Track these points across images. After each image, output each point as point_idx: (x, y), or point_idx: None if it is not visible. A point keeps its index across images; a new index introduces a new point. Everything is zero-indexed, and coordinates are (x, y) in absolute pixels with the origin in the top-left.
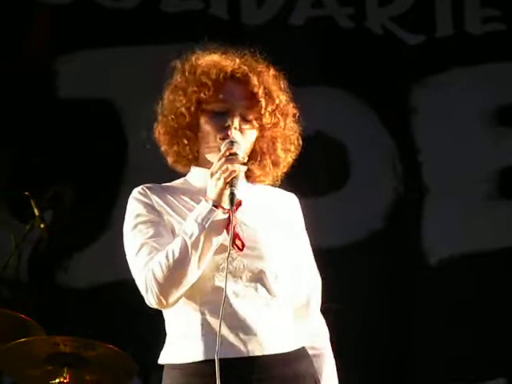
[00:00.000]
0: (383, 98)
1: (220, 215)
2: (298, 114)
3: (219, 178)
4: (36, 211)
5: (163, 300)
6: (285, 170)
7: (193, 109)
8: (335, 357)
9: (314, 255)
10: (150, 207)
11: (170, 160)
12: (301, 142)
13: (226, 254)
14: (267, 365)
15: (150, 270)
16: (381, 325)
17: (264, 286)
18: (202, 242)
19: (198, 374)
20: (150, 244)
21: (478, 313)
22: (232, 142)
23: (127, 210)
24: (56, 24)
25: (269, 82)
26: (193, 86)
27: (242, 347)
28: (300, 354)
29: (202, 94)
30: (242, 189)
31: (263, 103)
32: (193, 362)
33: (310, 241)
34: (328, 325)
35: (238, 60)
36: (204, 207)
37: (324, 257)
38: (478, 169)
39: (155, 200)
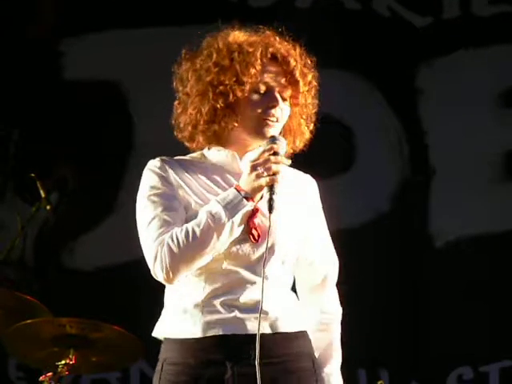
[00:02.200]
0: (390, 80)
1: (248, 208)
2: (317, 91)
3: (260, 177)
4: (42, 193)
5: (171, 275)
6: (301, 147)
7: (235, 88)
8: (344, 339)
9: None
10: (165, 180)
11: (200, 140)
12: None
13: (237, 240)
14: (269, 343)
15: (166, 243)
16: (387, 307)
17: (271, 270)
18: (226, 230)
19: (199, 349)
20: (163, 217)
21: (484, 295)
22: (275, 139)
23: (141, 181)
24: (62, 6)
25: (301, 61)
26: (236, 65)
27: (245, 325)
28: (300, 335)
29: (246, 74)
30: None
31: (301, 83)
32: (193, 338)
33: None
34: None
35: (274, 39)
36: (235, 196)
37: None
38: (485, 151)
39: (171, 173)
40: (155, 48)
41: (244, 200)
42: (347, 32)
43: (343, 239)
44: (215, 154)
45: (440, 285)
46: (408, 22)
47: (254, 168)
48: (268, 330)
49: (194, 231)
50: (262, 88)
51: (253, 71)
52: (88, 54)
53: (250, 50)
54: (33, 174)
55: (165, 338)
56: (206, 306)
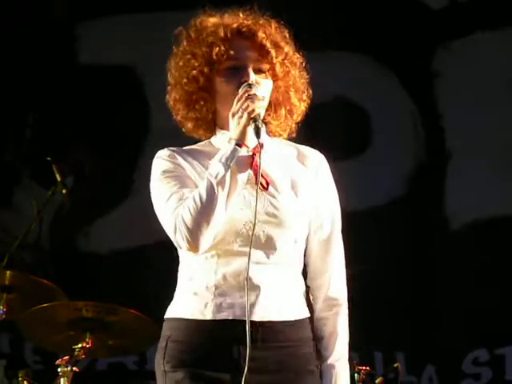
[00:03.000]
0: (406, 62)
1: (244, 153)
2: (304, 63)
3: (241, 116)
4: (58, 177)
5: (192, 241)
6: (299, 120)
7: (206, 70)
8: (356, 321)
9: None
10: (176, 164)
11: (189, 127)
12: (310, 90)
13: (247, 221)
14: (273, 329)
15: (180, 214)
16: (403, 290)
17: (282, 252)
18: (227, 181)
19: (207, 330)
20: (177, 194)
21: (500, 277)
22: (250, 85)
23: (153, 169)
24: None
25: (274, 33)
26: (202, 48)
27: (254, 310)
28: (305, 322)
29: (213, 54)
30: (265, 141)
31: (273, 53)
32: (202, 320)
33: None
34: (348, 290)
35: (241, 16)
36: (228, 147)
37: (343, 222)
38: (501, 133)
39: (180, 159)
40: (171, 32)
41: (236, 147)
42: (363, 15)
43: (359, 222)
44: (220, 139)
45: (456, 267)
46: (424, 4)
47: (233, 115)
48: (275, 318)
49: (199, 194)
50: (232, 64)
51: (216, 49)
52: (103, 38)
53: (213, 29)
54: (48, 158)
55: (168, 318)
56: (217, 288)
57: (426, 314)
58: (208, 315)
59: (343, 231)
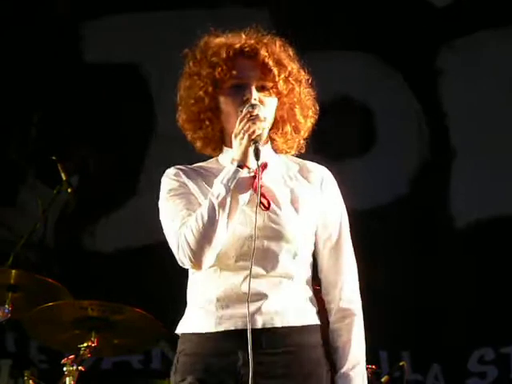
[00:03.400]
0: (410, 61)
1: (245, 174)
2: (310, 80)
3: (243, 138)
4: (63, 176)
5: (194, 259)
6: (306, 136)
7: (210, 90)
8: (366, 321)
9: None
10: (182, 183)
11: (198, 145)
12: (317, 106)
13: (247, 237)
14: (277, 334)
15: (183, 234)
16: (408, 289)
17: (282, 265)
18: (228, 202)
19: (212, 341)
20: (184, 212)
21: (506, 276)
22: (253, 105)
23: (161, 188)
24: None
25: (277, 51)
26: (206, 69)
27: (255, 319)
28: (311, 328)
29: (216, 74)
30: (269, 158)
31: (275, 71)
32: (207, 332)
33: None
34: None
35: (244, 36)
36: (229, 168)
37: (349, 220)
38: (505, 132)
39: (186, 178)
40: (175, 30)
41: (238, 168)
42: (367, 14)
43: (363, 221)
44: (226, 157)
45: (461, 265)
46: (428, 2)
47: (235, 136)
48: (278, 323)
49: (201, 214)
50: (235, 83)
51: (219, 69)
52: (108, 37)
53: (216, 50)
54: (53, 157)
55: (181, 333)
56: (219, 301)
57: (431, 312)
58: (212, 327)
59: (353, 231)
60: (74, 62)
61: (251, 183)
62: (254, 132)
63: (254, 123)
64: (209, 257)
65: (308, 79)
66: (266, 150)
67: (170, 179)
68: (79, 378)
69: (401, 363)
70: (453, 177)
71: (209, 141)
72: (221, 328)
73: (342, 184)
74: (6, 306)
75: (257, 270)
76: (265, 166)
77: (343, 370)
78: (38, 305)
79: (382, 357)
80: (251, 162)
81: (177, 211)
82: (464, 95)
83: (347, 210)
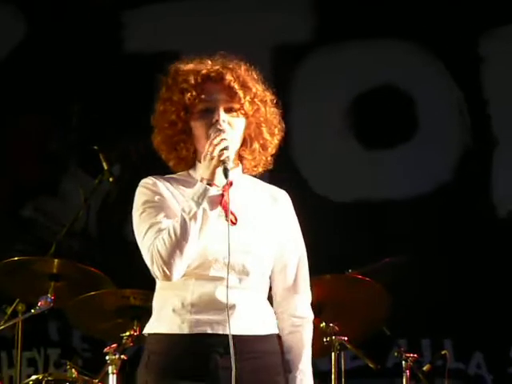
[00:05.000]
0: (452, 48)
1: (214, 191)
2: (274, 100)
3: (212, 158)
4: (105, 165)
5: (167, 271)
6: (273, 153)
7: (182, 114)
8: (404, 309)
9: (383, 207)
10: (157, 193)
11: (171, 164)
12: (283, 124)
13: (221, 251)
14: (246, 342)
15: (156, 246)
16: (451, 277)
17: (252, 279)
18: (199, 217)
19: (184, 343)
20: (156, 225)
21: None
22: (219, 130)
23: (135, 198)
24: None
25: (242, 74)
26: (177, 94)
27: (226, 326)
28: (272, 337)
29: (186, 99)
30: (238, 178)
31: (241, 94)
32: (180, 334)
33: (377, 193)
34: (393, 277)
35: (210, 62)
36: (199, 186)
37: (391, 209)
38: None
39: (161, 188)
40: (215, 19)
41: (207, 186)
42: (409, 2)
43: (405, 210)
44: (197, 171)
45: (503, 254)
46: None
47: (205, 157)
48: (248, 332)
49: (174, 228)
50: (204, 107)
51: (188, 94)
52: (148, 26)
53: (185, 77)
54: (95, 147)
55: (152, 334)
56: (194, 307)
57: (473, 300)
58: (185, 330)
59: (396, 220)
60: (114, 51)
61: (220, 200)
62: (221, 154)
63: (218, 144)
64: (180, 269)
65: (272, 99)
66: (236, 171)
67: (146, 189)
68: (121, 367)
69: (443, 352)
70: (494, 165)
71: (181, 160)
72: (194, 331)
73: (383, 173)
74: (49, 295)
75: (231, 281)
76: (231, 184)
77: (296, 371)
78: (81, 294)
79: (424, 345)
80: (219, 180)
81: (151, 224)
82: (506, 83)
83: (388, 199)
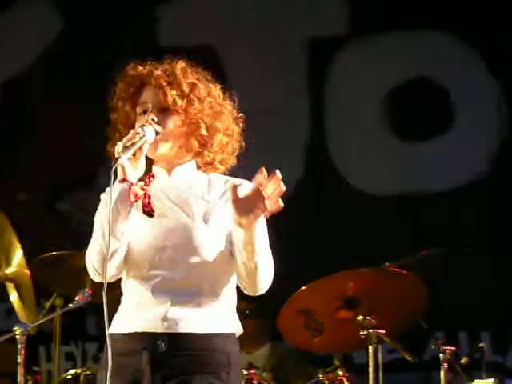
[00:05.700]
0: (488, 39)
1: (122, 187)
2: (222, 97)
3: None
4: None
5: (100, 274)
6: (217, 150)
7: (124, 118)
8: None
9: (420, 200)
10: (104, 206)
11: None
12: (230, 119)
13: (152, 247)
14: (179, 339)
15: (87, 254)
16: (488, 270)
17: (191, 275)
18: (114, 212)
19: (123, 341)
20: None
21: None
22: (135, 131)
23: None
24: None
25: (173, 72)
26: (122, 102)
27: (160, 324)
28: (217, 336)
29: (125, 105)
30: (188, 174)
31: (168, 90)
32: (121, 333)
33: (413, 186)
34: (430, 270)
35: (148, 67)
36: (117, 185)
37: (428, 202)
38: None
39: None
40: (249, 12)
41: (121, 184)
42: None
43: (442, 202)
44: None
45: None
46: None
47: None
48: (181, 329)
49: (95, 235)
50: (142, 110)
51: (124, 101)
52: (183, 19)
53: (124, 86)
54: None
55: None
56: (136, 305)
57: (510, 293)
58: (124, 329)
59: (433, 213)
60: (149, 44)
61: (128, 194)
62: (120, 153)
63: (121, 144)
64: (109, 271)
65: (208, 95)
66: (187, 167)
67: (101, 202)
68: None
69: (480, 344)
70: None
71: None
72: (131, 329)
73: (418, 165)
74: (86, 289)
75: (168, 278)
76: (152, 176)
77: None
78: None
79: (461, 338)
80: (129, 176)
81: (93, 232)
82: None
83: (424, 191)
